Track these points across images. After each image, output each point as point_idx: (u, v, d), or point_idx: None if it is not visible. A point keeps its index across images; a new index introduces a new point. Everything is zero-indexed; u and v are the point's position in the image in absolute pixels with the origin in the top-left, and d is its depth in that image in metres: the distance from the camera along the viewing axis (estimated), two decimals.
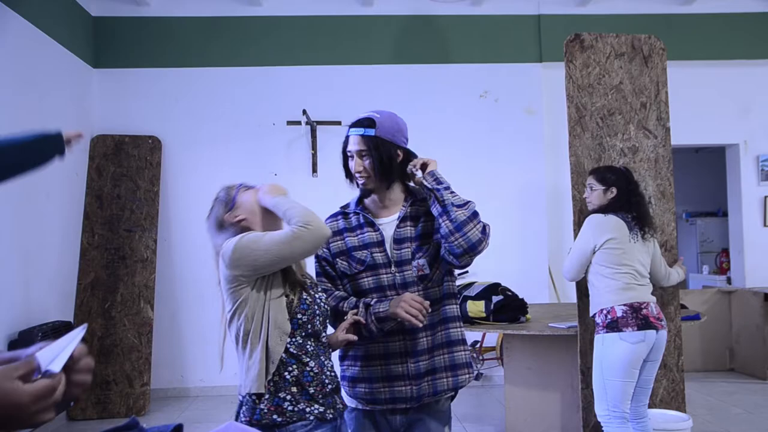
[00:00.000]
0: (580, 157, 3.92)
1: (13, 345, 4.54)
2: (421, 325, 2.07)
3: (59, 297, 5.54)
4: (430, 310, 2.11)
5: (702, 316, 4.38)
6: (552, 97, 6.50)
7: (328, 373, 2.01)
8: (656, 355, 3.34)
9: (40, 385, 0.87)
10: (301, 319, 1.97)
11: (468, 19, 6.59)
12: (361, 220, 2.28)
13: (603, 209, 3.43)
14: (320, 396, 1.95)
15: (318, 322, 2.02)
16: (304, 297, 1.99)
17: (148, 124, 6.29)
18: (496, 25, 6.62)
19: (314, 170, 6.38)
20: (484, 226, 2.11)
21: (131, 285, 5.89)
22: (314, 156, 6.38)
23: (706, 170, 8.93)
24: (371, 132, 2.18)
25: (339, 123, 6.32)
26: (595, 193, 3.48)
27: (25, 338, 4.64)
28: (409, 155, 2.26)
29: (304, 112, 6.20)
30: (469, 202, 2.14)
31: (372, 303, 2.17)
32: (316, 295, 2.05)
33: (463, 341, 2.27)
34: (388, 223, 2.25)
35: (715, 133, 6.77)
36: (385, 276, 2.20)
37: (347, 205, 2.37)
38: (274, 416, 1.89)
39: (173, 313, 6.23)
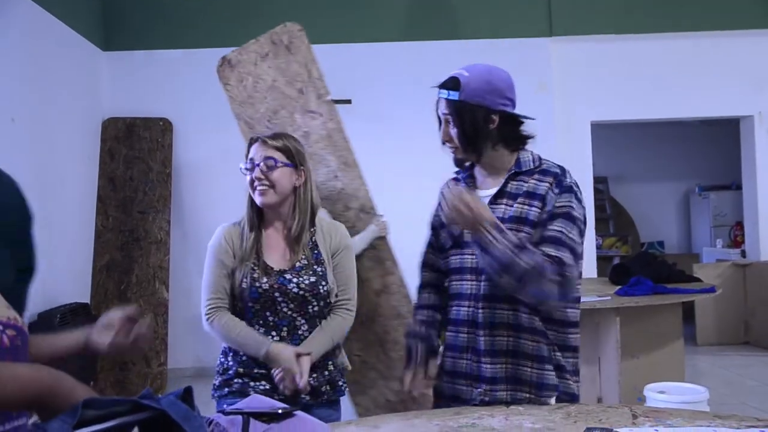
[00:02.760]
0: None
1: (32, 327, 4.59)
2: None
3: (75, 279, 5.60)
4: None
5: (717, 288, 4.37)
6: (563, 72, 6.44)
7: None
8: None
9: None
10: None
11: None
12: None
13: None
14: None
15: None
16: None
17: (158, 106, 6.29)
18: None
19: None
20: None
21: (146, 266, 5.93)
22: None
23: (718, 143, 8.84)
24: (455, 95, 1.88)
25: (349, 101, 6.28)
26: None
27: (44, 320, 4.70)
28: (514, 119, 1.94)
29: None
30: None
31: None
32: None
33: (539, 358, 1.85)
34: (486, 197, 1.93)
35: (728, 105, 6.69)
36: (469, 257, 1.91)
37: (461, 170, 2.08)
38: None
39: (188, 294, 6.25)
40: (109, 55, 6.35)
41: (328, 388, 2.15)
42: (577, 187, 1.91)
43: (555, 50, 6.49)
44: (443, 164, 2.13)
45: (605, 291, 4.21)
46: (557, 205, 1.85)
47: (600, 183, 8.65)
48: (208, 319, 2.11)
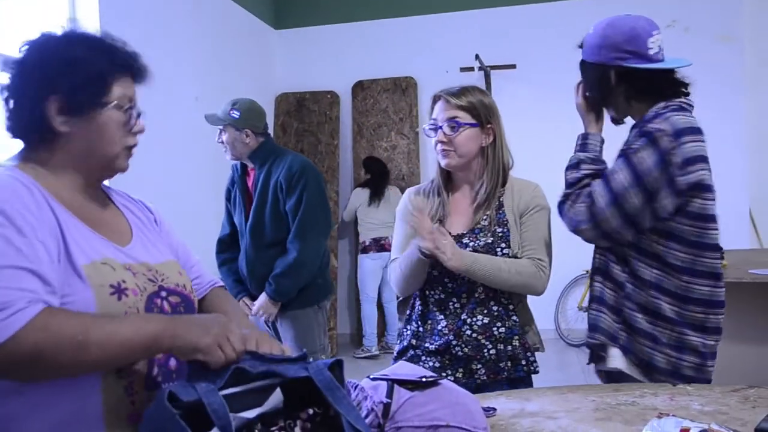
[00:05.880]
0: (359, 153, 6.30)
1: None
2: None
3: None
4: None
5: None
6: (756, 23, 5.80)
7: None
8: None
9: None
10: None
11: None
12: None
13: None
14: None
15: None
16: None
17: (325, 80, 6.49)
18: None
19: None
20: None
21: None
22: None
23: None
24: (582, 55, 1.86)
25: (513, 66, 6.12)
26: None
27: None
28: (637, 71, 1.76)
29: (477, 57, 6.05)
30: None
31: None
32: None
33: (599, 300, 1.92)
34: None
35: None
36: None
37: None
38: None
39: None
40: (280, 33, 6.64)
41: (509, 364, 1.97)
42: (664, 133, 1.69)
43: None
44: (611, 127, 2.00)
45: None
46: (624, 147, 1.77)
47: None
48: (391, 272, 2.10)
